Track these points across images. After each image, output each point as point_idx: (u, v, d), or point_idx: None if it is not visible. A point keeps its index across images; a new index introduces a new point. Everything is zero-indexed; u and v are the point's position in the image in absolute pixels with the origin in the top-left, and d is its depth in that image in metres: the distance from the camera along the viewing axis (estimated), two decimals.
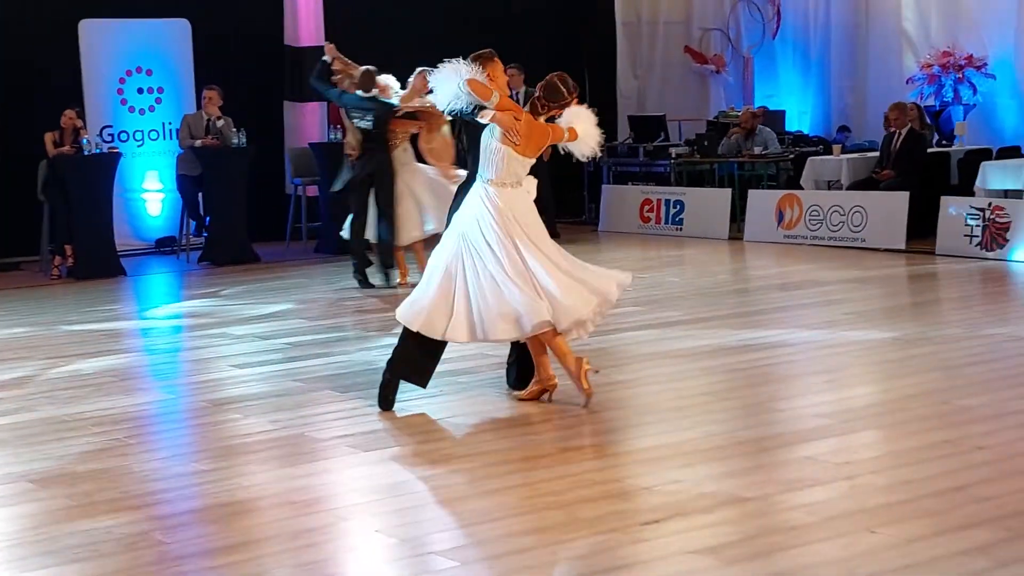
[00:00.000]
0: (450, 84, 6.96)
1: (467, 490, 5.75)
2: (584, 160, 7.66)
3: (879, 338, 8.85)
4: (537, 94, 7.22)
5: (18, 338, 10.13)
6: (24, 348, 9.67)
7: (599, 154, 7.54)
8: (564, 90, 7.21)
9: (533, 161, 7.17)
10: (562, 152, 7.45)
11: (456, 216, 7.17)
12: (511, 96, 15.30)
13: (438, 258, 7.12)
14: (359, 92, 11.68)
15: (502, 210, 6.99)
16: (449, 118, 11.14)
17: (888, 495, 5.35)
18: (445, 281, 6.99)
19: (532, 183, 7.22)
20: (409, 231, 11.80)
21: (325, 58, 12.08)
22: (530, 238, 7.03)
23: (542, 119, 7.22)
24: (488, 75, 7.10)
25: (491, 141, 7.03)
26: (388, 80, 11.86)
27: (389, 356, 7.30)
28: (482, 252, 6.95)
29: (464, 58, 7.16)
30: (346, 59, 12.15)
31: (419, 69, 12.38)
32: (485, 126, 7.04)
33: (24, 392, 8.11)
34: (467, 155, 7.47)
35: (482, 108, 6.95)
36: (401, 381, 7.21)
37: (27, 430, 7.10)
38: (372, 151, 11.72)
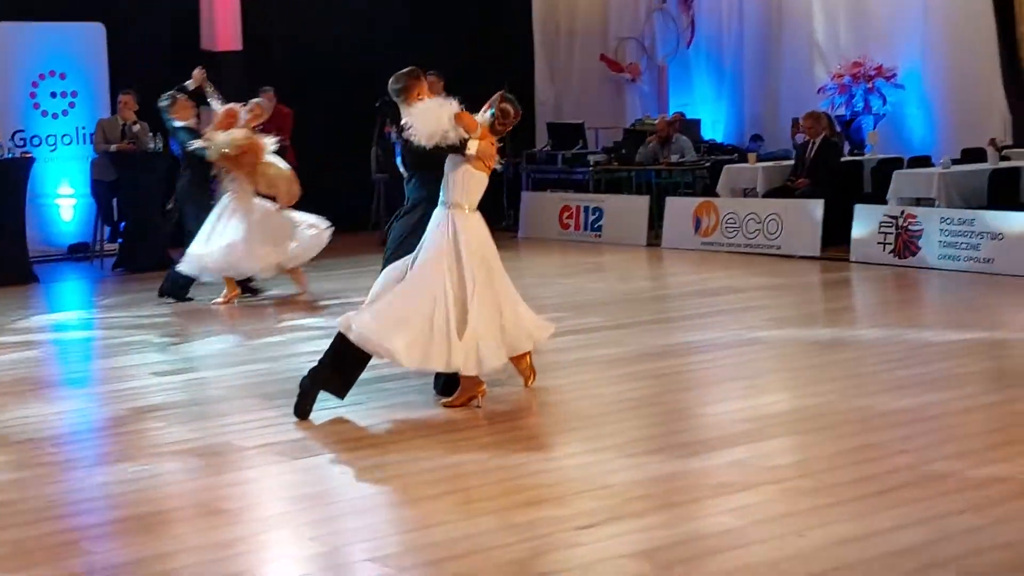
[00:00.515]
0: (434, 121, 6.95)
1: (399, 497, 5.76)
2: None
3: (798, 344, 8.99)
4: (493, 120, 7.17)
5: None
6: None
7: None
8: (514, 112, 7.24)
9: None
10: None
11: (429, 241, 7.11)
12: None
13: (417, 283, 7.05)
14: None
15: (480, 236, 7.11)
16: (274, 147, 11.22)
17: (816, 498, 5.43)
18: (425, 306, 6.97)
19: None
20: (249, 264, 11.33)
21: (188, 83, 11.88)
22: (494, 267, 7.19)
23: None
24: (418, 93, 7.18)
25: (460, 167, 7.06)
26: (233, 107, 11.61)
27: (314, 364, 7.27)
28: (461, 279, 7.01)
29: (390, 73, 7.22)
30: (215, 90, 11.95)
31: (262, 91, 12.42)
32: (438, 153, 7.03)
33: None
34: (408, 182, 7.41)
35: (466, 140, 6.99)
36: (320, 391, 7.20)
37: None
38: (178, 176, 11.64)
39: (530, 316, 7.41)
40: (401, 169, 7.43)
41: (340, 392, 7.24)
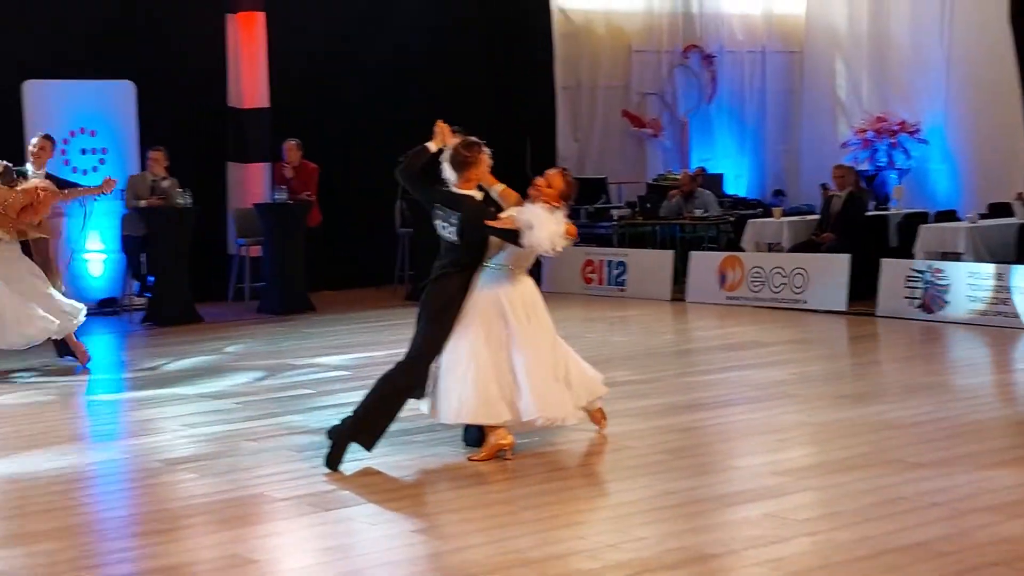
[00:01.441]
0: (549, 229, 7.14)
1: (435, 547, 5.77)
2: None
3: (826, 397, 8.98)
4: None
5: None
6: None
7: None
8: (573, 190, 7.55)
9: None
10: None
11: (479, 303, 7.30)
12: None
13: (465, 346, 7.23)
14: None
15: (524, 295, 7.35)
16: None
17: (850, 551, 5.44)
18: (484, 364, 7.19)
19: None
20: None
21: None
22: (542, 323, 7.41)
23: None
24: (472, 173, 7.34)
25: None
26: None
27: (344, 416, 7.32)
28: (510, 335, 7.25)
29: (413, 128, 7.39)
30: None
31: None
32: (482, 216, 7.26)
33: None
34: (453, 248, 7.44)
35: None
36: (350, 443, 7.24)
37: None
38: None
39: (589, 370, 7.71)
40: (452, 237, 7.43)
41: (368, 444, 7.27)
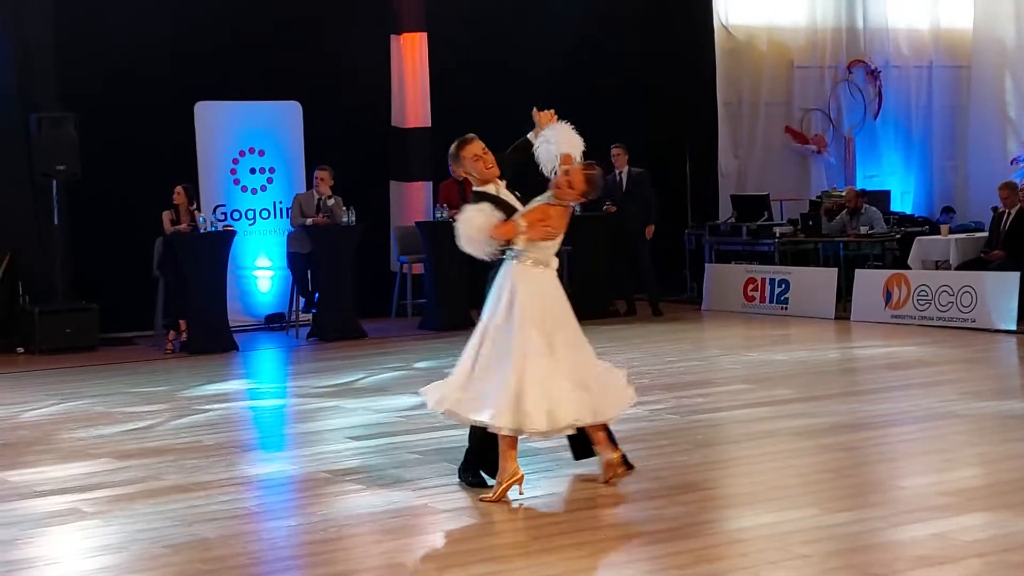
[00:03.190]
0: (478, 243, 6.87)
1: (591, 563, 5.78)
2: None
3: (994, 417, 8.78)
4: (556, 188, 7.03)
5: (137, 410, 10.32)
6: (143, 419, 9.85)
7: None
8: (585, 179, 7.01)
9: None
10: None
11: (491, 299, 7.04)
12: (614, 177, 15.35)
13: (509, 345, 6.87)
14: None
15: (543, 291, 6.95)
16: None
17: (1021, 573, 5.31)
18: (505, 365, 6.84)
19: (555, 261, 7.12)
20: None
21: None
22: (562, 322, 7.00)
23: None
24: (464, 158, 7.13)
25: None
26: None
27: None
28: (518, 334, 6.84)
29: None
30: None
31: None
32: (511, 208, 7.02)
33: (149, 461, 8.27)
34: None
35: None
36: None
37: (158, 497, 7.25)
38: None
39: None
40: None
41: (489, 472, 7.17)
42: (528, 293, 6.89)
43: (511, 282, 6.93)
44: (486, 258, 6.95)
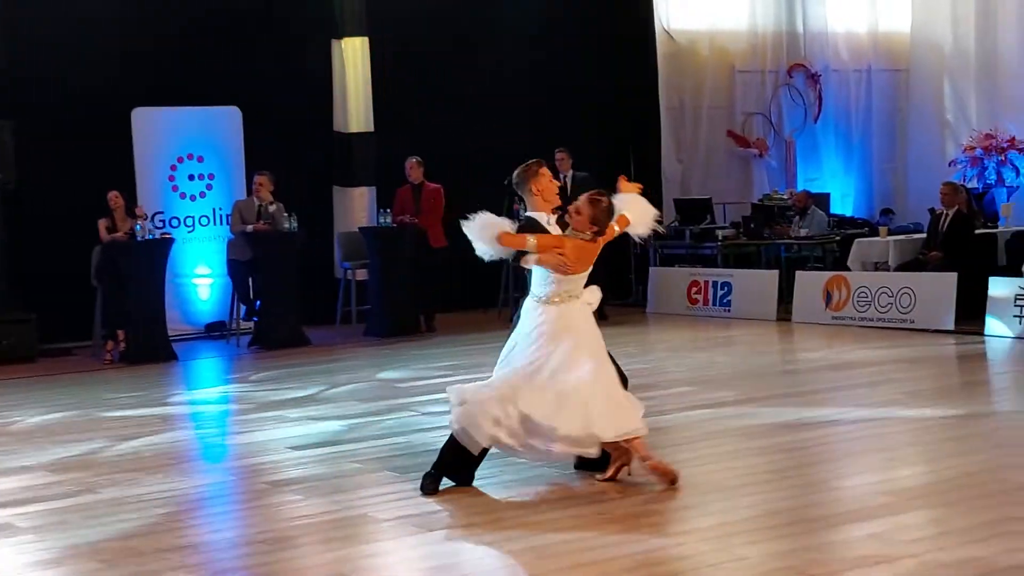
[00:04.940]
0: (485, 241, 7.07)
1: (538, 568, 5.76)
2: (639, 240, 7.79)
3: (933, 417, 8.84)
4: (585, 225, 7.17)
5: (75, 421, 10.21)
6: (81, 431, 9.73)
7: (656, 231, 7.63)
8: (590, 209, 7.15)
9: (588, 272, 7.24)
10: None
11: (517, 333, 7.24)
12: (559, 179, 15.42)
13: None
14: None
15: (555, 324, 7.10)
16: None
17: (956, 572, 5.34)
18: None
19: (594, 294, 7.28)
20: None
21: None
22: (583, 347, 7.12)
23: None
24: (532, 188, 7.25)
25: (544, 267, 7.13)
26: None
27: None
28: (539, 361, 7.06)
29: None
30: None
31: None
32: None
33: (85, 474, 8.17)
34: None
35: (523, 253, 7.08)
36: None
37: (92, 511, 7.15)
38: None
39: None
40: None
41: (465, 480, 7.26)
42: (565, 328, 7.08)
43: (549, 326, 7.07)
44: (486, 258, 7.15)
